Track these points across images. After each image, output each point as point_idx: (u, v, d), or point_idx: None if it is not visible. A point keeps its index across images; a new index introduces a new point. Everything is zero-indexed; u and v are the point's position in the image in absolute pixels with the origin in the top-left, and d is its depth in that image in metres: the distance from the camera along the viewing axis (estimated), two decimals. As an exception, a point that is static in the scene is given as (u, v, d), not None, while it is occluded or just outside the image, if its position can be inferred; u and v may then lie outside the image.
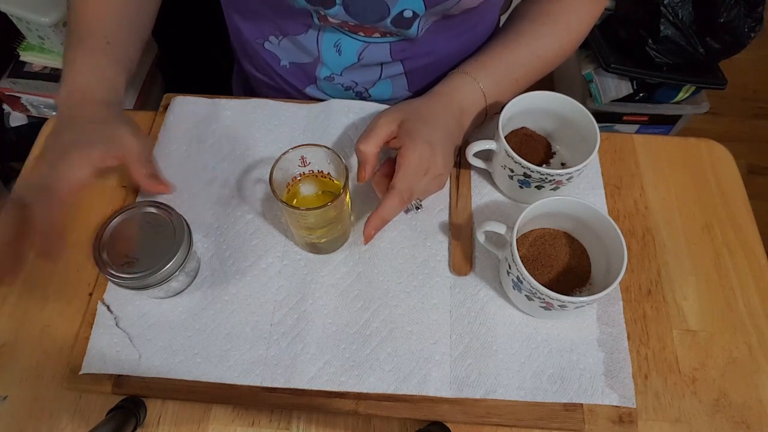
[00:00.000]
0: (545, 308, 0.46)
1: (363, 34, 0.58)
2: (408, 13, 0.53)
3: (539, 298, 0.45)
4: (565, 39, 0.59)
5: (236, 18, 0.64)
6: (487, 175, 0.58)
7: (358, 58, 0.61)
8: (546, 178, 0.51)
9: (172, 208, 0.48)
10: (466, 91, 0.55)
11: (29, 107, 1.25)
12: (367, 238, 0.49)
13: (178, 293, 0.51)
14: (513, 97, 0.54)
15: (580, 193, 0.58)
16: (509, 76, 0.57)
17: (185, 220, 0.48)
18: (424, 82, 0.65)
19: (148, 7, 0.60)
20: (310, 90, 0.68)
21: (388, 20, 0.54)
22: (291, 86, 0.68)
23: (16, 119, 1.29)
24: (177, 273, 0.47)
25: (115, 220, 0.48)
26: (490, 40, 0.62)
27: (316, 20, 0.56)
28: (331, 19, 0.55)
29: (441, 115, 0.53)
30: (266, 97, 0.65)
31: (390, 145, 0.52)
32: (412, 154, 0.49)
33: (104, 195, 0.59)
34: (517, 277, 0.46)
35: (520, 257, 0.46)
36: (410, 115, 0.52)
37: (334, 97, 0.68)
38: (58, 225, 0.46)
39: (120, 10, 0.56)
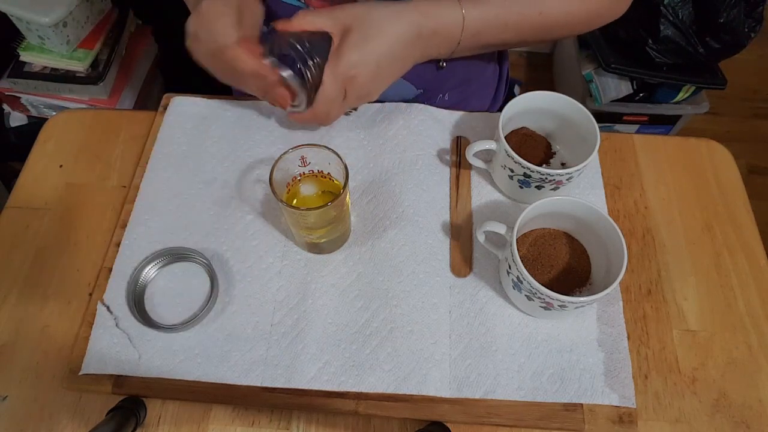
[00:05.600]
0: (545, 308, 0.46)
1: None
2: None
3: (539, 298, 0.45)
4: (576, 6, 0.55)
5: None
6: (487, 175, 0.58)
7: None
8: (546, 178, 0.51)
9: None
10: (446, 14, 0.51)
11: (29, 107, 1.25)
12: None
13: None
14: (496, 42, 0.52)
15: (580, 193, 0.58)
16: (500, 18, 0.53)
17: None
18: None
19: None
20: None
21: None
22: None
23: (16, 119, 1.29)
24: None
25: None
26: None
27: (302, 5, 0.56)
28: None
29: (393, 34, 0.50)
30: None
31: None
32: (331, 82, 0.49)
33: (104, 195, 0.59)
34: (517, 277, 0.46)
35: (520, 257, 0.46)
36: (355, 26, 0.49)
37: None
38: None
39: None
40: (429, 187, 0.58)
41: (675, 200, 0.59)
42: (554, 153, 0.59)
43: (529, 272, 0.44)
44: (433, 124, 0.62)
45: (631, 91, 1.38)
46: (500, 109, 0.53)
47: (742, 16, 1.19)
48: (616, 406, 0.47)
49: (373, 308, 0.51)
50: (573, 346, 0.49)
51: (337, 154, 0.47)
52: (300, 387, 0.47)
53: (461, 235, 0.55)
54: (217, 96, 0.65)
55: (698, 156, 0.63)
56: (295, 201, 0.51)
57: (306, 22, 0.49)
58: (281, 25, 0.50)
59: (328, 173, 0.50)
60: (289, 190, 0.51)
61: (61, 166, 0.62)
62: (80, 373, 0.48)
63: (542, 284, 0.44)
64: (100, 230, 0.57)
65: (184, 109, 0.63)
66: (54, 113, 0.79)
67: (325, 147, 0.47)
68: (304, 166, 0.50)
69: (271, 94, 0.50)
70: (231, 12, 0.49)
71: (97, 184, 0.60)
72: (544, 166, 0.51)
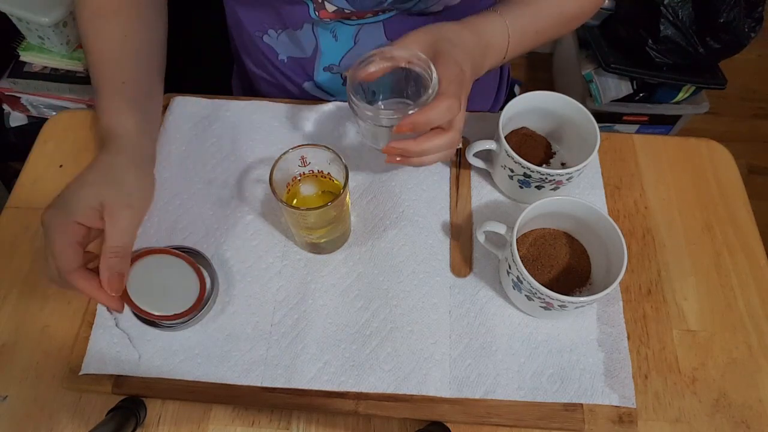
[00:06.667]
0: (545, 308, 0.46)
1: (356, 18, 0.59)
2: None
3: (539, 298, 0.45)
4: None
5: (237, 9, 0.64)
6: (487, 175, 0.58)
7: (354, 42, 0.62)
8: (546, 178, 0.51)
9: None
10: (495, 29, 0.53)
11: (29, 107, 1.25)
12: (397, 141, 0.45)
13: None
14: (523, 51, 0.53)
15: (580, 193, 0.58)
16: (532, 27, 0.56)
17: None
18: None
19: (156, 38, 0.60)
20: (307, 86, 0.68)
21: (386, 2, 0.54)
22: (289, 81, 0.68)
23: (16, 119, 1.29)
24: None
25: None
26: None
27: (312, 10, 0.56)
28: (327, 5, 0.55)
29: (469, 44, 0.50)
30: (266, 94, 0.64)
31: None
32: (451, 67, 0.45)
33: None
34: (517, 277, 0.46)
35: (520, 257, 0.46)
36: (441, 37, 0.49)
37: (333, 91, 0.68)
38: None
39: (129, 48, 0.55)
40: (429, 187, 0.58)
41: (675, 200, 0.59)
42: (554, 153, 0.59)
43: (529, 272, 0.44)
44: (433, 124, 0.62)
45: (631, 91, 1.38)
46: (501, 110, 0.53)
47: (742, 16, 1.19)
48: (616, 406, 0.47)
49: (373, 308, 0.51)
50: (573, 346, 0.49)
51: (337, 154, 0.47)
52: (300, 387, 0.47)
53: (461, 235, 0.55)
54: (217, 96, 0.65)
55: (698, 156, 0.62)
56: (295, 201, 0.51)
57: (401, 54, 0.47)
58: (368, 73, 0.47)
59: (328, 173, 0.50)
60: (289, 190, 0.51)
61: (61, 166, 0.62)
62: (80, 373, 0.48)
63: (542, 284, 0.44)
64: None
65: (185, 109, 0.63)
66: (54, 113, 0.79)
67: (325, 147, 0.47)
68: (304, 166, 0.50)
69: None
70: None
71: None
72: (544, 166, 0.51)
